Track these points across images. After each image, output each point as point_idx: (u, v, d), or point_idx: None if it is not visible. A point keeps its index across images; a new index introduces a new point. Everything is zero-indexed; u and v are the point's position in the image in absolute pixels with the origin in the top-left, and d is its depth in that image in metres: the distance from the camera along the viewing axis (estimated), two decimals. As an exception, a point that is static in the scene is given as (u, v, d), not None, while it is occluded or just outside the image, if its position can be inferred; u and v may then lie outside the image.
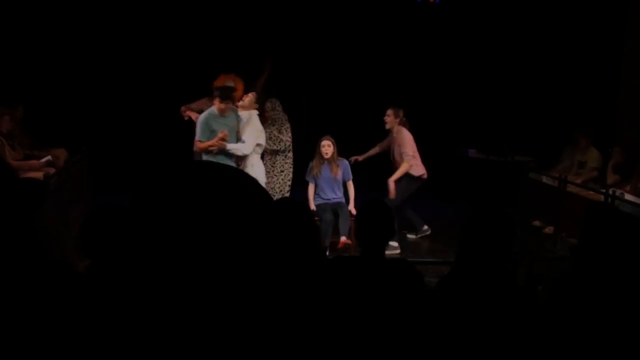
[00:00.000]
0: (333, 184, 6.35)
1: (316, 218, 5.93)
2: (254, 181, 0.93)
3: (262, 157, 6.27)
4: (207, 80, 6.22)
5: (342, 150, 6.57)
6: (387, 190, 6.52)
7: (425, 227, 7.00)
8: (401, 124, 6.62)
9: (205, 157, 5.61)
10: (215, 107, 5.64)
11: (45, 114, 8.19)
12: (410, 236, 7.01)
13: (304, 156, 6.54)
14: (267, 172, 6.29)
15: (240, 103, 5.94)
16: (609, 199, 6.13)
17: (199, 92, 6.52)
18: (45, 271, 2.21)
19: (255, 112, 5.90)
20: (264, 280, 0.87)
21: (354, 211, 6.17)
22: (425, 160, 6.86)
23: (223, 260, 0.87)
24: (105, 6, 8.72)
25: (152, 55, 8.92)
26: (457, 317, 2.42)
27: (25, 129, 7.57)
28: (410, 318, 2.55)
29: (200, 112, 6.00)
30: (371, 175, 6.60)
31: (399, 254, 6.34)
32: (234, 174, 0.89)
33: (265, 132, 6.22)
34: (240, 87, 6.07)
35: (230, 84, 5.96)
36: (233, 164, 5.53)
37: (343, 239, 6.05)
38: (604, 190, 6.48)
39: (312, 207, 6.25)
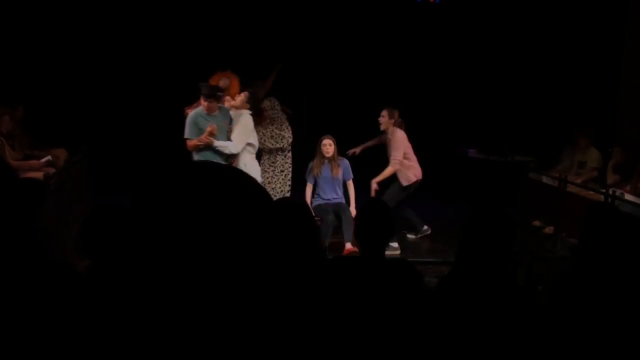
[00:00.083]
0: (333, 184, 6.34)
1: (317, 218, 5.92)
2: (253, 181, 0.93)
3: (260, 157, 6.27)
4: (207, 80, 6.23)
5: (342, 150, 6.58)
6: (385, 190, 6.52)
7: (425, 227, 6.99)
8: (396, 124, 6.55)
9: (196, 157, 5.58)
10: (202, 106, 5.60)
11: (45, 114, 8.19)
12: (410, 236, 7.00)
13: (304, 156, 6.54)
14: (265, 172, 6.29)
15: (232, 103, 5.93)
16: (609, 199, 6.12)
17: (199, 93, 6.52)
18: (45, 271, 2.21)
19: (246, 112, 5.84)
20: (264, 280, 0.87)
21: (354, 212, 6.16)
22: (425, 160, 6.85)
23: (223, 260, 0.87)
24: (105, 6, 8.72)
25: (152, 56, 8.93)
26: (457, 317, 2.42)
27: (25, 129, 7.57)
28: (410, 318, 2.54)
29: None
30: (371, 175, 6.58)
31: (399, 254, 6.33)
32: (234, 174, 0.89)
33: (267, 130, 6.21)
34: (235, 83, 6.06)
35: (226, 81, 5.96)
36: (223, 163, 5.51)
37: (348, 246, 5.95)
38: (604, 190, 6.48)
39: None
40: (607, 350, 2.53)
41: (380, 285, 2.60)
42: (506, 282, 2.50)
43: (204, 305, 0.92)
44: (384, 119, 6.54)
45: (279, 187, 6.31)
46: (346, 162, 6.47)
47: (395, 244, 6.37)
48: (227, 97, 6.14)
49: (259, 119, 6.25)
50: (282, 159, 6.36)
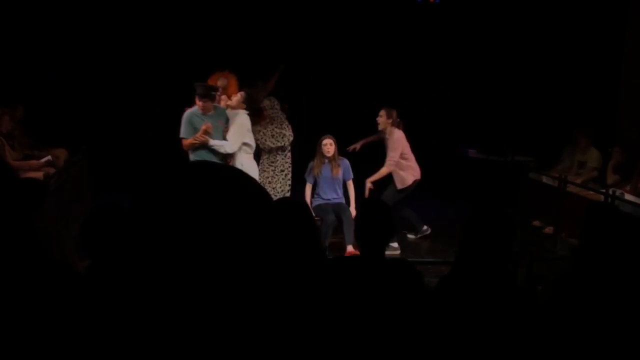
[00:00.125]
0: (334, 184, 6.33)
1: (317, 218, 5.91)
2: (253, 181, 0.93)
3: (259, 157, 6.25)
4: (206, 80, 6.23)
5: (342, 150, 6.57)
6: (383, 191, 6.52)
7: (425, 227, 6.98)
8: (394, 124, 6.51)
9: (191, 156, 5.56)
10: (197, 106, 5.59)
11: (45, 114, 8.19)
12: (410, 236, 6.99)
13: (304, 156, 6.53)
14: (265, 171, 6.27)
15: (229, 102, 5.93)
16: (609, 199, 6.12)
17: (194, 92, 6.52)
18: (45, 271, 2.21)
19: (243, 112, 5.80)
20: (264, 280, 0.87)
21: (354, 212, 6.15)
22: (425, 160, 6.84)
23: (223, 260, 0.87)
24: (105, 6, 8.72)
25: (152, 56, 8.92)
26: (457, 317, 2.42)
27: (25, 129, 7.57)
28: (410, 318, 2.54)
29: None
30: (371, 175, 6.58)
31: (399, 254, 6.33)
32: (234, 174, 0.88)
33: (267, 130, 6.19)
34: (233, 83, 6.06)
35: (224, 80, 5.96)
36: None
37: (350, 248, 5.92)
38: (604, 190, 6.48)
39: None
40: (607, 350, 2.53)
41: (380, 285, 2.60)
42: (506, 282, 2.50)
43: (204, 305, 0.92)
44: (382, 118, 6.52)
45: (279, 186, 6.31)
46: (346, 162, 6.45)
47: (395, 244, 6.37)
48: (224, 97, 6.14)
49: (259, 118, 6.24)
50: (282, 159, 6.35)
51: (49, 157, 7.13)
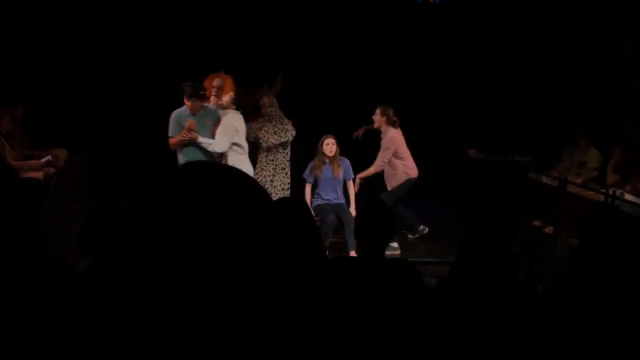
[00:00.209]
0: (334, 184, 6.28)
1: (317, 218, 5.89)
2: (253, 181, 0.93)
3: (254, 157, 6.21)
4: (202, 81, 6.24)
5: (342, 151, 6.55)
6: (381, 191, 6.51)
7: (422, 226, 6.95)
8: (390, 123, 6.48)
9: (180, 156, 5.57)
10: (186, 105, 5.60)
11: (45, 114, 8.18)
12: (409, 236, 6.98)
13: (304, 156, 6.51)
14: (264, 170, 6.23)
15: (219, 102, 5.93)
16: (609, 199, 6.12)
17: (182, 92, 6.49)
18: (45, 271, 2.21)
19: (232, 112, 5.76)
20: (264, 281, 0.87)
21: (354, 212, 6.13)
22: (425, 160, 6.83)
23: (223, 260, 0.87)
24: (105, 6, 8.72)
25: (152, 56, 8.92)
26: (457, 318, 2.42)
27: (25, 129, 7.56)
28: (410, 318, 2.54)
29: None
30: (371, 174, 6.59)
31: (399, 254, 6.32)
32: (234, 174, 0.89)
33: (268, 127, 6.16)
34: (228, 83, 6.06)
35: (220, 80, 5.97)
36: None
37: (352, 254, 5.84)
38: (604, 190, 6.48)
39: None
40: (607, 350, 2.53)
41: (380, 285, 2.60)
42: (506, 282, 2.50)
43: (204, 305, 0.92)
44: (377, 116, 6.51)
45: (279, 184, 6.27)
46: (347, 162, 6.42)
47: (395, 244, 6.36)
48: (212, 97, 6.16)
49: (257, 115, 6.23)
50: (283, 157, 6.31)
51: (49, 157, 7.12)
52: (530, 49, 9.38)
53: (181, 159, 5.63)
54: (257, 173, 6.22)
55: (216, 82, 6.11)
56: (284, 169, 6.34)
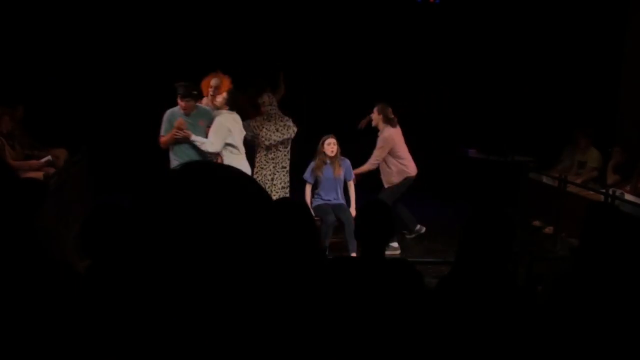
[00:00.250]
0: (335, 184, 6.25)
1: (316, 218, 5.88)
2: (253, 181, 0.93)
3: (256, 154, 6.20)
4: (200, 81, 6.26)
5: (342, 151, 6.55)
6: (381, 189, 6.50)
7: (419, 226, 6.92)
8: (387, 121, 6.45)
9: (172, 156, 5.60)
10: (179, 106, 5.62)
11: (45, 114, 8.18)
12: (407, 236, 6.93)
13: (304, 156, 6.50)
14: (263, 169, 6.21)
15: (214, 102, 5.95)
16: (609, 199, 6.12)
17: (175, 93, 6.49)
18: (45, 271, 2.21)
19: (226, 112, 5.75)
20: (264, 281, 0.87)
21: (354, 212, 6.12)
22: (425, 160, 6.82)
23: (223, 260, 0.87)
24: (105, 6, 8.72)
25: (153, 56, 8.92)
26: (457, 318, 2.42)
27: (25, 129, 7.56)
28: (410, 318, 2.54)
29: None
30: (372, 175, 6.58)
31: (399, 254, 6.32)
32: (235, 174, 0.88)
33: (270, 125, 6.14)
34: (226, 83, 6.07)
35: (217, 80, 5.99)
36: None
37: (354, 256, 5.91)
38: (604, 190, 6.48)
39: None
40: (607, 350, 2.53)
41: (380, 286, 2.60)
42: (506, 282, 2.50)
43: (204, 305, 0.92)
44: (374, 114, 6.50)
45: (280, 183, 6.25)
46: (348, 162, 6.39)
47: (395, 244, 6.35)
48: (209, 97, 6.18)
49: (255, 113, 6.22)
50: (284, 155, 6.28)
51: (49, 157, 7.13)
52: (530, 49, 9.38)
53: (173, 158, 5.65)
54: (257, 172, 6.20)
55: (213, 81, 6.12)
56: (285, 167, 6.31)
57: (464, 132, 9.47)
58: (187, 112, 5.59)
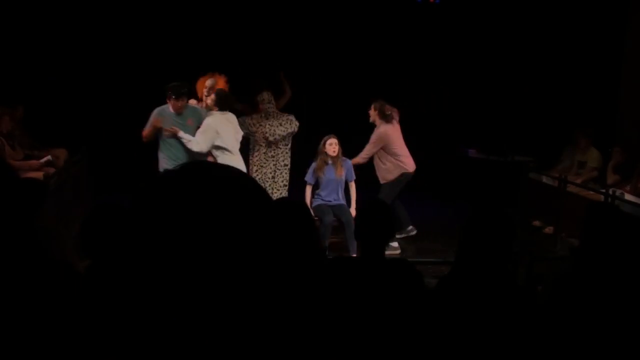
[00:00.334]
0: (336, 185, 6.22)
1: (315, 218, 5.87)
2: (253, 181, 0.93)
3: (254, 152, 6.17)
4: (196, 82, 6.27)
5: (343, 151, 6.54)
6: (380, 187, 6.50)
7: (411, 227, 6.83)
8: (383, 117, 6.42)
9: (160, 154, 5.68)
10: (169, 105, 5.69)
11: (45, 114, 8.18)
12: (396, 235, 6.84)
13: (304, 156, 6.49)
14: (263, 167, 6.17)
15: (207, 102, 5.96)
16: (609, 199, 6.12)
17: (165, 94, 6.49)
18: (45, 271, 2.21)
19: (216, 113, 5.74)
20: (264, 281, 0.87)
21: (354, 212, 6.11)
22: (425, 160, 6.81)
23: (223, 260, 0.87)
24: (105, 6, 8.72)
25: (153, 56, 8.92)
26: (457, 318, 2.42)
27: (25, 129, 7.56)
28: (410, 318, 2.54)
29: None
30: (372, 175, 6.57)
31: (399, 254, 6.31)
32: (234, 174, 0.88)
33: (273, 121, 6.12)
34: (221, 83, 6.08)
35: (212, 81, 6.01)
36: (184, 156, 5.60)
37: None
38: (604, 190, 6.48)
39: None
40: (607, 350, 2.53)
41: (380, 285, 2.60)
42: (506, 282, 2.50)
43: (204, 305, 0.92)
44: (371, 111, 6.49)
45: (281, 180, 6.22)
46: (349, 162, 6.36)
47: (395, 244, 6.34)
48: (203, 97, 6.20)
49: (253, 111, 6.21)
50: (285, 152, 6.25)
51: (49, 157, 7.12)
52: (530, 49, 9.38)
53: (161, 156, 5.71)
54: (257, 170, 6.17)
55: (208, 82, 6.13)
56: (287, 165, 6.26)
57: (464, 132, 9.47)
58: (176, 111, 5.64)
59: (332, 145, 6.15)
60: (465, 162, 8.99)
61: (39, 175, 6.02)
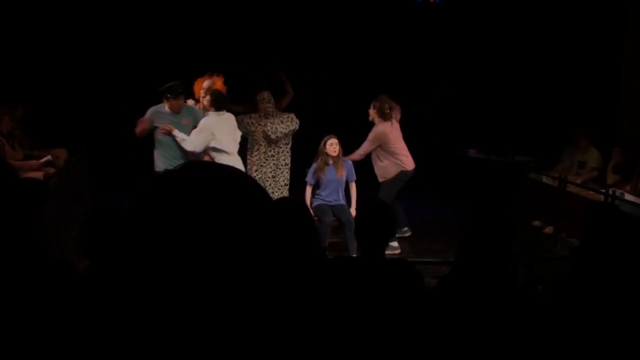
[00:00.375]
0: (337, 186, 6.21)
1: (315, 218, 5.87)
2: (253, 181, 0.93)
3: (254, 151, 6.16)
4: (193, 83, 6.27)
5: (343, 151, 6.54)
6: (380, 187, 6.50)
7: (406, 228, 6.82)
8: (382, 116, 6.43)
9: (156, 152, 5.72)
10: (165, 105, 5.73)
11: (45, 114, 8.18)
12: (404, 235, 6.84)
13: (304, 156, 6.49)
14: (263, 166, 6.16)
15: (204, 103, 5.96)
16: (609, 199, 6.12)
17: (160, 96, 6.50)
18: (45, 271, 2.21)
19: (212, 114, 5.73)
20: (264, 281, 0.87)
21: (354, 213, 6.10)
22: (425, 160, 6.81)
23: (223, 260, 0.87)
24: (105, 6, 8.72)
25: (153, 56, 8.92)
26: (457, 318, 2.42)
27: (25, 129, 7.56)
28: (410, 318, 2.54)
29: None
30: (372, 175, 6.57)
31: (399, 254, 6.31)
32: (234, 174, 0.88)
33: (275, 119, 6.11)
34: (219, 84, 6.08)
35: (210, 82, 6.02)
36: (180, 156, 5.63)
37: None
38: (604, 190, 6.48)
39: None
40: (607, 350, 2.53)
41: (380, 285, 2.60)
42: (506, 282, 2.50)
43: (204, 305, 0.92)
44: (370, 109, 6.50)
45: (283, 180, 6.21)
46: (350, 163, 6.36)
47: (395, 244, 6.34)
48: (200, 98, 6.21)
49: (254, 110, 6.20)
50: (286, 152, 6.24)
51: (49, 157, 7.12)
52: (530, 49, 9.38)
53: (157, 155, 5.74)
54: (256, 170, 6.16)
55: (206, 83, 6.14)
56: (287, 164, 6.25)
57: (464, 132, 9.47)
58: (173, 111, 5.68)
59: (332, 146, 6.15)
60: (465, 162, 8.99)
61: (39, 175, 6.02)
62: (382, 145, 6.44)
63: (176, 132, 5.58)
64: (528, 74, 9.49)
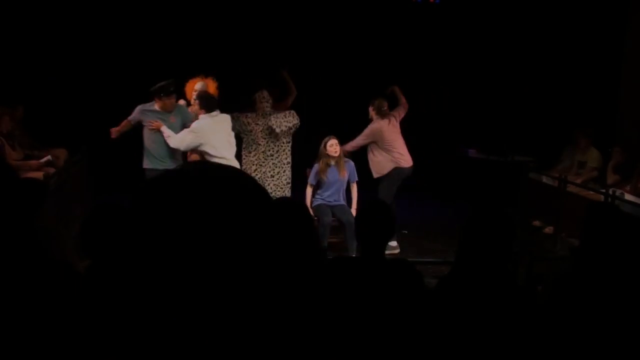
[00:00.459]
0: (339, 187, 6.20)
1: (315, 218, 5.86)
2: (253, 181, 0.93)
3: (252, 151, 6.15)
4: (185, 85, 6.28)
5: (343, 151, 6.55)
6: (378, 186, 6.50)
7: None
8: (379, 114, 6.46)
9: (146, 151, 5.86)
10: (156, 104, 5.80)
11: (45, 114, 8.18)
12: (404, 232, 6.84)
13: (304, 156, 6.49)
14: (262, 166, 6.14)
15: (194, 107, 5.98)
16: (609, 199, 6.12)
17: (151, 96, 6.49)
18: (45, 271, 2.21)
19: (205, 116, 5.72)
20: (264, 281, 0.87)
21: (354, 213, 6.10)
22: (425, 160, 6.80)
23: (223, 260, 0.87)
24: (105, 6, 8.72)
25: (153, 56, 8.91)
26: (457, 318, 2.42)
27: (25, 129, 7.56)
28: (410, 318, 2.54)
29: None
30: (372, 175, 6.57)
31: (399, 254, 6.31)
32: (234, 174, 0.88)
33: (278, 115, 6.10)
34: (211, 86, 6.10)
35: (202, 84, 6.04)
36: (169, 158, 5.72)
37: None
38: (604, 190, 6.48)
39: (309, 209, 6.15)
40: (607, 350, 2.53)
41: (380, 285, 2.60)
42: (506, 282, 2.50)
43: (204, 305, 0.92)
44: (370, 108, 6.54)
45: (285, 179, 6.20)
46: (352, 164, 6.34)
47: (394, 243, 6.34)
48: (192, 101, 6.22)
49: (251, 109, 6.20)
50: (287, 150, 6.22)
51: (49, 157, 7.12)
52: (530, 49, 9.38)
53: (146, 153, 5.87)
54: (256, 170, 6.15)
55: (198, 85, 6.13)
56: (289, 162, 6.25)
57: (464, 132, 9.47)
58: (164, 110, 5.75)
59: (333, 147, 6.15)
60: (465, 162, 8.99)
61: (39, 175, 6.02)
62: (377, 142, 6.46)
63: (164, 129, 5.65)
64: (528, 74, 9.49)
